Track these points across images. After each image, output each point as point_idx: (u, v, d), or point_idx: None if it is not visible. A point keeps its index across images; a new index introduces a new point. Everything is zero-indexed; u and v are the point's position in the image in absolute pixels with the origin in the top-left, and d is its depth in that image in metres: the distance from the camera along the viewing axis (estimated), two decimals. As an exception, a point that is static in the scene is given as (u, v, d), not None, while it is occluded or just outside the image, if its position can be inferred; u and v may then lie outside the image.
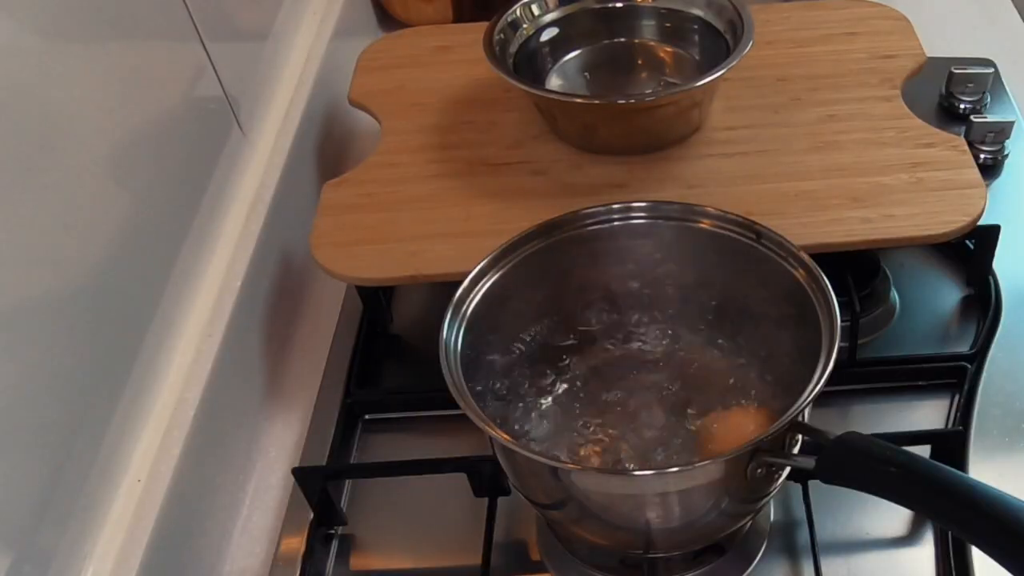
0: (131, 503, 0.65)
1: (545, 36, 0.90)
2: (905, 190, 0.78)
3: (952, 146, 0.81)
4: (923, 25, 0.93)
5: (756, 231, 0.67)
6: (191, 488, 0.69)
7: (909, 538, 0.70)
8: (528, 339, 0.71)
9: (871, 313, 0.81)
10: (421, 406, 0.80)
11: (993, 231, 0.80)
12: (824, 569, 0.66)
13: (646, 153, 0.84)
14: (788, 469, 0.62)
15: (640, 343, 0.72)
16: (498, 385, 0.69)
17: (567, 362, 0.72)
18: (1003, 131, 0.90)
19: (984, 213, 0.76)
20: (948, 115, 0.95)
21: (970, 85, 0.95)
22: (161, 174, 0.74)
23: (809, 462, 0.56)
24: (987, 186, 0.78)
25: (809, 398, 0.57)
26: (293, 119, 0.92)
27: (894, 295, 0.83)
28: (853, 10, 0.95)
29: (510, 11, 0.88)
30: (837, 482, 0.56)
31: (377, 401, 0.82)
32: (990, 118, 0.91)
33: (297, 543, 0.72)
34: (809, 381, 0.59)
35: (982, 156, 0.90)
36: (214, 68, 0.81)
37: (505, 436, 0.60)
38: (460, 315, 0.66)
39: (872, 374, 0.78)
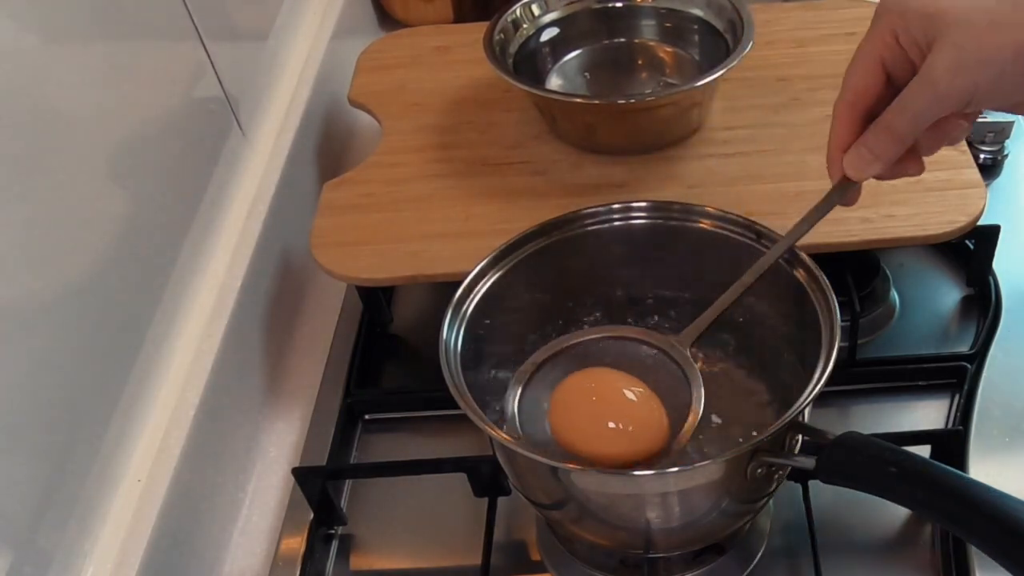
0: (131, 503, 0.65)
1: (545, 36, 0.91)
2: (905, 190, 0.78)
3: (952, 146, 0.81)
4: (923, 25, 0.93)
5: (756, 231, 0.67)
6: (191, 488, 0.69)
7: (909, 538, 0.70)
8: (528, 339, 0.71)
9: (871, 313, 0.81)
10: (421, 406, 0.81)
11: (993, 231, 0.80)
12: (824, 569, 0.66)
13: (646, 153, 0.84)
14: (788, 469, 0.62)
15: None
16: (498, 385, 0.69)
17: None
18: (1003, 131, 0.90)
19: (984, 213, 0.76)
20: (948, 115, 0.95)
21: (970, 85, 0.94)
22: (161, 174, 0.74)
23: (809, 462, 0.56)
24: (987, 186, 0.78)
25: (809, 398, 0.57)
26: (293, 119, 0.92)
27: (894, 295, 0.83)
28: (853, 10, 0.95)
29: (510, 11, 0.89)
30: (837, 482, 0.56)
31: (377, 401, 0.82)
32: (990, 118, 0.91)
33: (297, 543, 0.72)
34: (809, 381, 0.59)
35: (982, 156, 0.90)
36: (214, 68, 0.81)
37: (505, 436, 0.60)
38: (460, 315, 0.66)
39: (872, 374, 0.78)
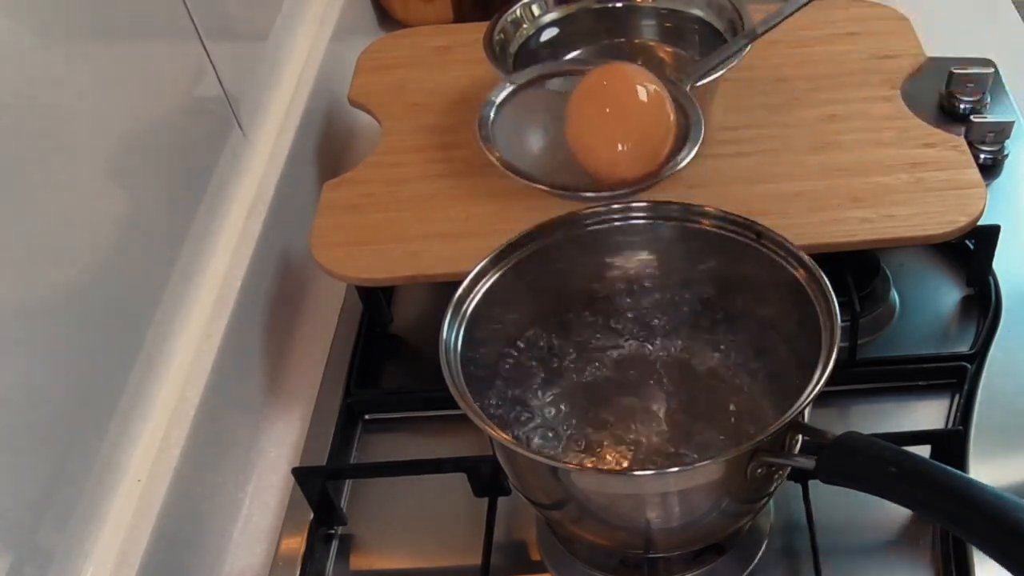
0: (131, 503, 0.65)
1: (545, 36, 0.91)
2: (905, 190, 0.78)
3: (952, 146, 0.81)
4: (923, 25, 0.93)
5: (756, 231, 0.67)
6: (191, 488, 0.69)
7: (909, 538, 0.70)
8: (528, 339, 0.71)
9: (871, 313, 0.81)
10: (421, 406, 0.80)
11: (993, 231, 0.80)
12: (824, 569, 0.66)
13: (646, 153, 0.84)
14: (788, 469, 0.62)
15: (640, 343, 0.72)
16: (498, 385, 0.69)
17: (567, 362, 0.72)
18: (1003, 131, 0.90)
19: (984, 213, 0.76)
20: (948, 115, 0.95)
21: (970, 85, 0.94)
22: (161, 174, 0.74)
23: (809, 462, 0.56)
24: (987, 186, 0.78)
25: (809, 398, 0.57)
26: (293, 119, 0.92)
27: (894, 295, 0.83)
28: (853, 10, 0.95)
29: (510, 11, 0.88)
30: (837, 482, 0.56)
31: (377, 401, 0.82)
32: (990, 118, 0.91)
33: (297, 543, 0.72)
34: (809, 381, 0.59)
35: (982, 156, 0.90)
36: (214, 68, 0.81)
37: (505, 436, 0.60)
38: (460, 315, 0.66)
39: (872, 374, 0.78)
